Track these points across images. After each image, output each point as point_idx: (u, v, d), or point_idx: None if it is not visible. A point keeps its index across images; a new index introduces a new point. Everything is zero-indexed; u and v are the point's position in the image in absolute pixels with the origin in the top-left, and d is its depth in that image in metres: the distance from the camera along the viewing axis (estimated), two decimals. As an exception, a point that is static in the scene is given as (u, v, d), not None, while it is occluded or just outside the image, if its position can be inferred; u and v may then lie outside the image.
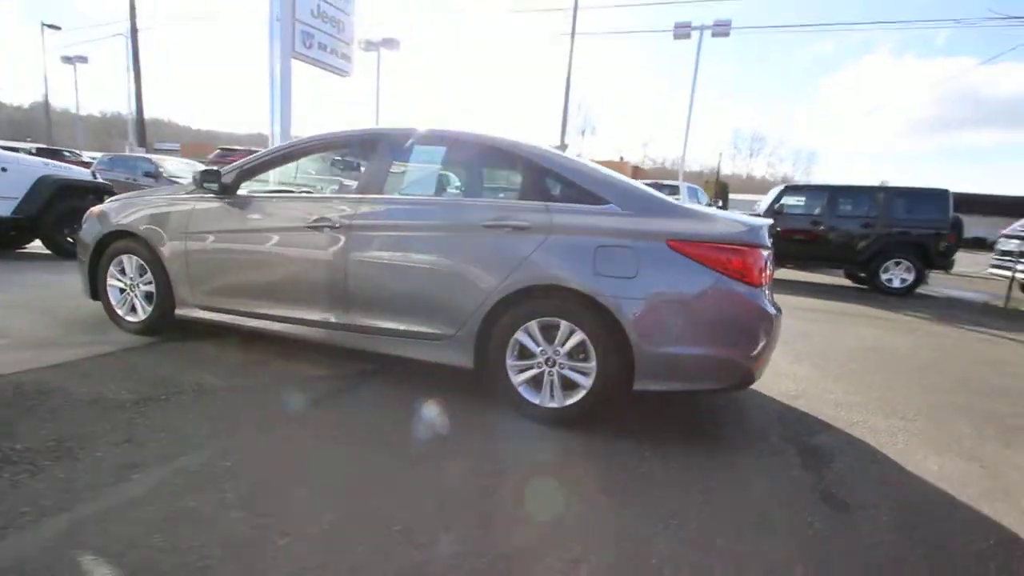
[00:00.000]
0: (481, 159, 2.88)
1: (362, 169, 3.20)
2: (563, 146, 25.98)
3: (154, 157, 13.97)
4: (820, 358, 4.15)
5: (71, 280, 4.74)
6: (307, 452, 2.10)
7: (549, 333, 2.47)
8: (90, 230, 3.41)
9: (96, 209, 3.51)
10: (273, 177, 3.43)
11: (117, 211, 3.34)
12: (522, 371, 2.53)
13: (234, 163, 3.15)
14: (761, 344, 2.31)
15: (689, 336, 2.29)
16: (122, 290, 3.36)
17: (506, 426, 2.47)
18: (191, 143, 52.58)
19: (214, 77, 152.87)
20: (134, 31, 20.78)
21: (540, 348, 2.48)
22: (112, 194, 8.52)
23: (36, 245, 6.23)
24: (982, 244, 24.42)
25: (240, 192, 3.08)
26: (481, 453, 2.20)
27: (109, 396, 2.39)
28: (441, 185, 2.78)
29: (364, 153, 3.01)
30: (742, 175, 78.89)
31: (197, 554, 1.45)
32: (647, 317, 2.29)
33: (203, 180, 2.95)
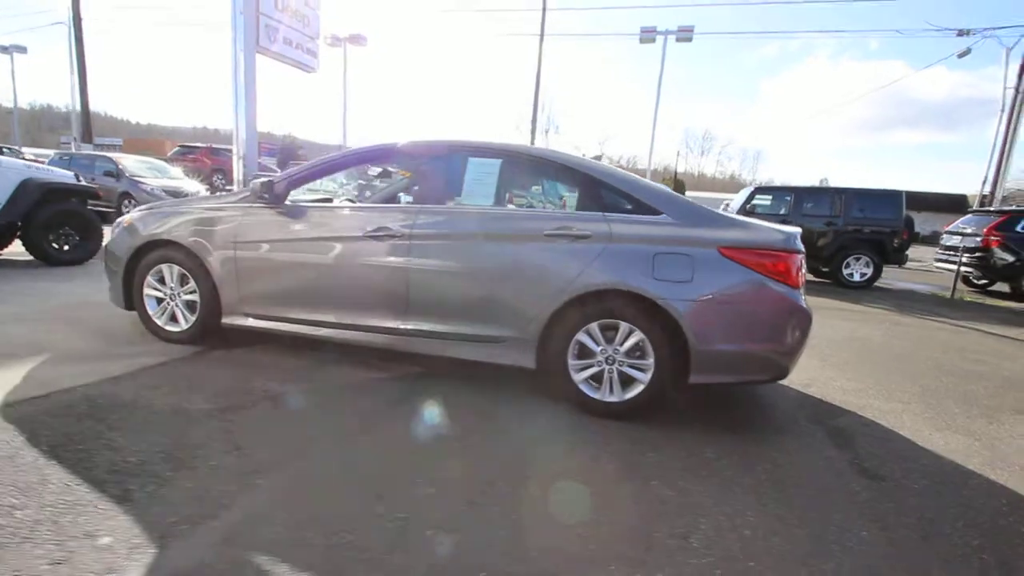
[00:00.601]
0: (537, 171, 3.06)
1: (416, 180, 3.31)
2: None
3: (114, 156, 13.28)
4: (815, 349, 4.55)
5: (76, 288, 4.63)
6: (415, 450, 2.22)
7: (608, 333, 2.68)
8: (123, 240, 3.36)
9: (127, 219, 3.46)
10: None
11: (152, 221, 3.31)
12: (582, 369, 2.72)
13: (285, 173, 3.19)
14: (799, 339, 2.60)
15: (739, 333, 2.55)
16: (160, 300, 3.34)
17: (568, 420, 2.66)
18: (133, 138, 49.69)
19: (153, 69, 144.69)
20: (77, 19, 19.56)
21: (600, 347, 2.69)
22: (98, 197, 8.30)
23: (11, 251, 5.94)
24: (918, 239, 26.42)
25: (288, 202, 3.13)
26: (563, 444, 2.39)
27: (189, 407, 2.43)
28: (499, 196, 2.92)
29: (418, 164, 3.12)
30: (694, 173, 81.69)
31: (355, 548, 1.58)
32: (702, 317, 2.53)
33: (261, 191, 2.99)
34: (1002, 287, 9.93)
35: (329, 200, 3.55)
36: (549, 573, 1.55)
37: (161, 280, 3.31)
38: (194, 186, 13.02)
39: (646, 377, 2.64)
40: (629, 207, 2.73)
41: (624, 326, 2.63)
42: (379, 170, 3.88)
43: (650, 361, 2.62)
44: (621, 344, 2.66)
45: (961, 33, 18.92)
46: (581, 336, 2.69)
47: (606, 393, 2.70)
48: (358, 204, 3.43)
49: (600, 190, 2.78)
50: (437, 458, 2.18)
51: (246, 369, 2.97)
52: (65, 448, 1.98)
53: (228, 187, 17.91)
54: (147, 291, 3.32)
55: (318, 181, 3.32)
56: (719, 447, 2.48)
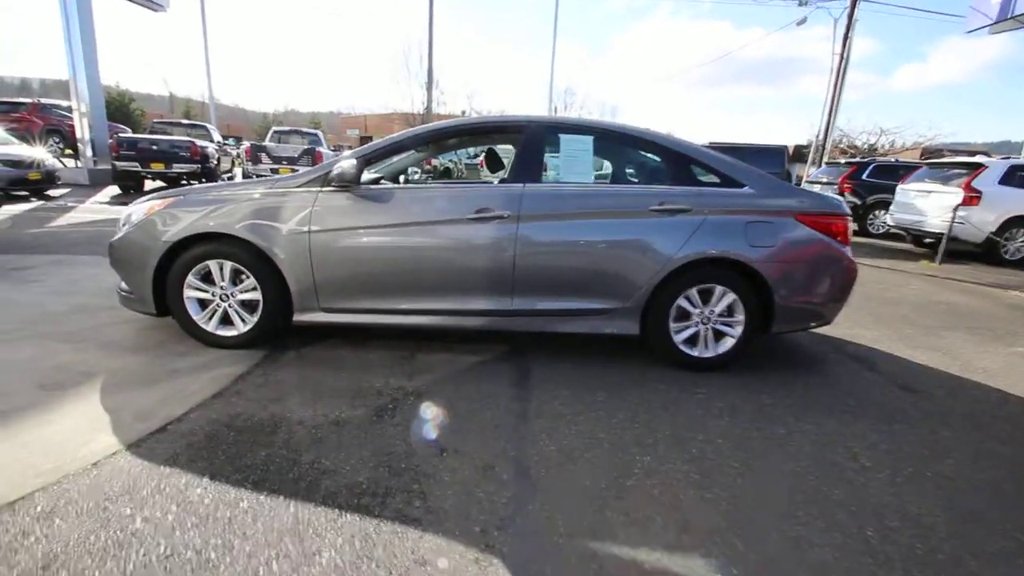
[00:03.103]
0: (629, 148, 3.15)
1: (510, 158, 3.20)
2: (428, 110, 25.12)
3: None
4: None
5: (41, 296, 3.74)
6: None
7: (704, 296, 2.98)
8: (148, 236, 2.84)
9: (143, 210, 2.90)
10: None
11: (189, 212, 2.84)
12: (680, 331, 3.01)
13: (355, 152, 2.90)
14: (849, 289, 3.13)
15: (811, 288, 3.00)
16: (204, 302, 2.92)
17: (669, 374, 2.95)
18: None
19: None
20: None
21: (697, 310, 2.98)
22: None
23: None
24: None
25: (366, 183, 2.89)
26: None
27: (340, 415, 2.27)
28: (596, 173, 2.98)
29: (510, 141, 3.04)
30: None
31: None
32: (784, 276, 2.93)
33: (339, 175, 2.71)
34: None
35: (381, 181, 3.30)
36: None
37: (206, 279, 2.89)
38: (36, 152, 10.62)
39: (736, 332, 3.00)
40: (717, 181, 2.99)
41: (719, 289, 2.95)
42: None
43: (740, 318, 2.98)
44: (715, 305, 2.98)
45: (801, 3, 21.73)
46: (681, 301, 2.96)
47: (702, 350, 3.03)
48: (450, 185, 3.25)
49: (690, 166, 2.99)
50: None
51: (346, 368, 2.78)
52: (271, 483, 1.79)
53: (58, 147, 14.73)
54: (189, 292, 2.88)
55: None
56: (789, 387, 2.95)
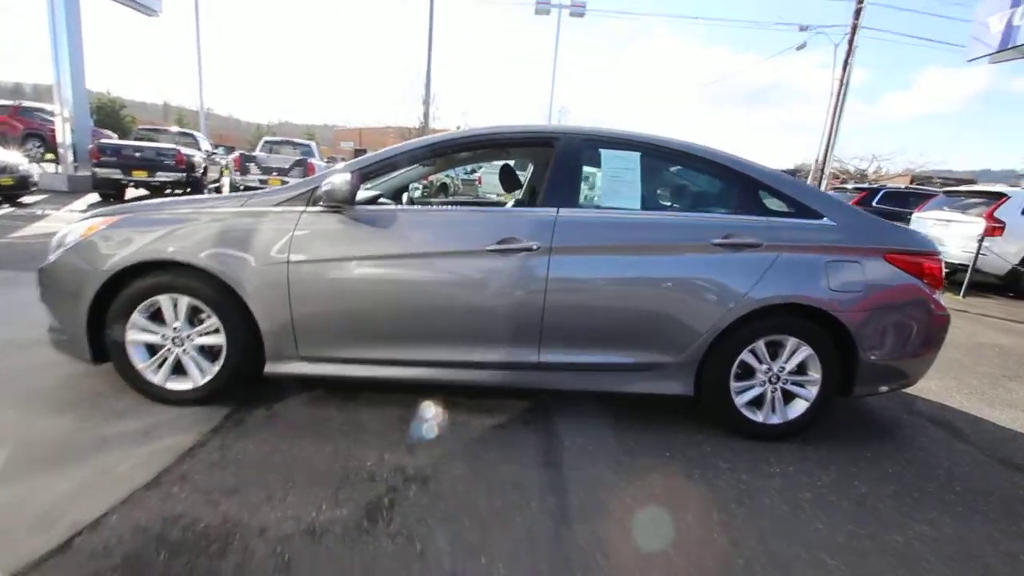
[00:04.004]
0: (684, 168, 2.62)
1: (536, 177, 2.66)
2: (424, 125, 24.77)
3: None
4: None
5: None
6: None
7: (771, 350, 2.44)
8: (86, 262, 2.25)
9: (82, 230, 2.32)
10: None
11: (138, 234, 2.26)
12: (743, 392, 2.46)
13: (350, 164, 2.35)
14: (941, 343, 2.60)
15: (901, 342, 2.47)
16: (152, 346, 2.32)
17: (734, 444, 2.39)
18: None
19: None
20: None
21: (765, 366, 2.43)
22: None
23: None
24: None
25: (362, 202, 2.33)
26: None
27: (320, 519, 1.67)
28: (644, 197, 2.44)
29: (536, 155, 2.51)
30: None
31: None
32: (871, 327, 2.40)
33: (331, 194, 2.15)
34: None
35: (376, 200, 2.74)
36: None
37: (156, 318, 2.30)
38: (9, 156, 9.96)
39: (811, 394, 2.46)
40: (791, 210, 2.47)
41: (792, 341, 2.41)
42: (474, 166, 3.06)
43: (816, 376, 2.44)
44: (787, 360, 2.43)
45: (802, 28, 21.74)
46: (745, 355, 2.41)
47: (768, 414, 2.47)
48: (467, 208, 2.69)
49: (759, 191, 2.47)
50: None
51: (330, 435, 2.18)
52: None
53: (39, 152, 14.03)
54: (133, 335, 2.28)
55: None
56: (883, 467, 2.40)
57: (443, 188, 14.85)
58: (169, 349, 2.32)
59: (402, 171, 2.67)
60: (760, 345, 2.41)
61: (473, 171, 16.44)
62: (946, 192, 10.31)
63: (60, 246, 2.36)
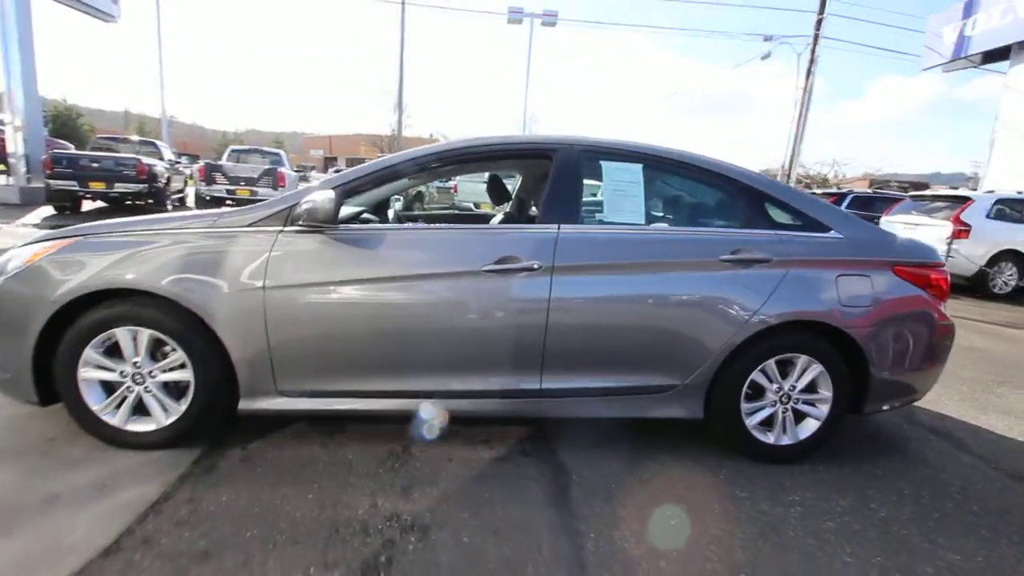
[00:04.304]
0: (687, 180, 2.49)
1: (530, 191, 2.49)
2: (398, 134, 24.47)
3: None
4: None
5: None
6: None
7: (782, 369, 2.33)
8: (35, 289, 1.99)
9: (27, 255, 2.05)
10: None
11: (95, 256, 2.01)
12: (753, 412, 2.35)
13: (331, 180, 2.15)
14: (947, 356, 2.54)
15: (911, 356, 2.39)
16: (109, 385, 2.07)
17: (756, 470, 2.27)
18: None
19: None
20: None
21: (776, 386, 2.33)
22: None
23: None
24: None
25: (345, 220, 2.14)
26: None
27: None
28: (648, 212, 2.31)
29: (528, 167, 2.35)
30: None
31: None
32: (883, 344, 2.32)
33: (311, 212, 1.96)
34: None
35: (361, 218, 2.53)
36: None
37: (113, 353, 2.05)
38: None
39: (822, 413, 2.36)
40: (799, 223, 2.37)
41: (803, 359, 2.31)
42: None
43: (827, 395, 2.34)
44: (797, 379, 2.33)
45: (767, 38, 22.31)
46: (756, 375, 2.30)
47: (779, 435, 2.36)
48: (461, 226, 2.51)
49: (765, 204, 2.37)
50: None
51: (314, 479, 1.97)
52: None
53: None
54: (86, 372, 2.03)
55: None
56: (897, 487, 2.32)
57: (418, 197, 14.57)
58: (129, 387, 2.07)
59: (388, 187, 2.48)
60: (771, 364, 2.30)
61: (448, 179, 16.25)
62: (912, 197, 10.64)
63: (1, 273, 2.09)
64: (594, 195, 2.44)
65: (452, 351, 2.11)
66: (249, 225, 2.07)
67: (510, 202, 3.45)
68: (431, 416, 2.19)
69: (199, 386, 2.06)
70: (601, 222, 2.28)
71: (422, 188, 13.95)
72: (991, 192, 9.54)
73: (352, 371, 2.11)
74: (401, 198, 3.76)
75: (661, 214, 2.57)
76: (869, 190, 15.92)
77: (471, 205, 13.39)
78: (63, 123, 33.98)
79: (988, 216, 8.69)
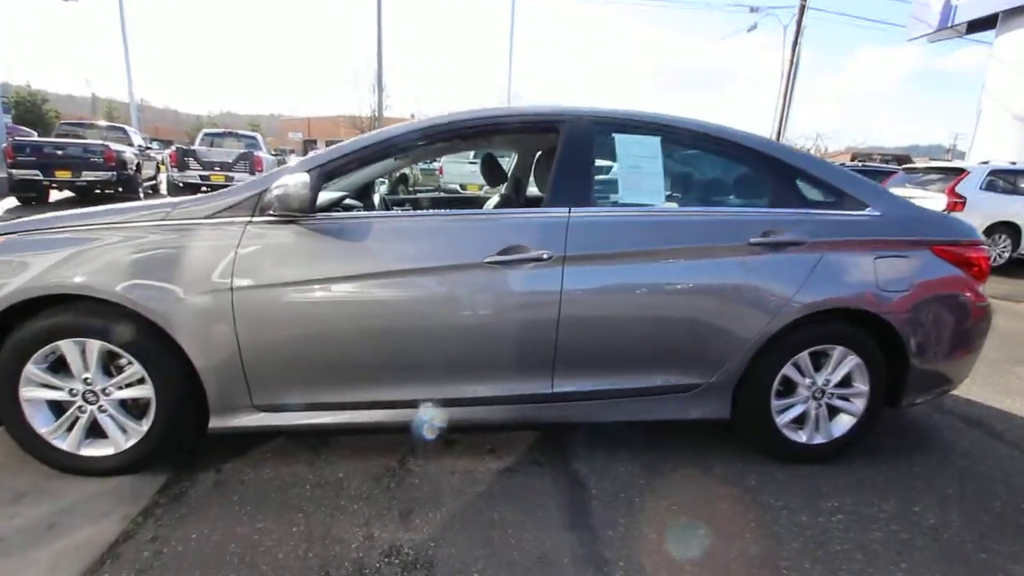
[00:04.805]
0: (709, 155, 2.24)
1: (531, 167, 2.22)
2: (379, 115, 23.73)
3: None
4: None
5: None
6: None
7: (816, 361, 2.13)
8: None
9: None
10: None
11: (31, 256, 1.72)
12: (784, 410, 2.14)
13: (308, 160, 1.86)
14: (983, 341, 2.35)
15: (951, 342, 2.20)
16: (58, 405, 1.80)
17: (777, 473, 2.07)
18: None
19: None
20: None
21: (808, 380, 2.12)
22: None
23: None
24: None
25: (325, 207, 1.86)
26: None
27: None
28: (666, 190, 2.06)
29: (528, 144, 2.08)
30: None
31: None
32: (921, 329, 2.12)
33: (285, 198, 1.67)
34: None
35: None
36: None
37: (59, 368, 1.77)
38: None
39: (857, 408, 2.17)
40: (832, 200, 2.14)
41: (838, 351, 2.10)
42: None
43: (863, 388, 2.15)
44: (832, 372, 2.13)
45: (753, 10, 21.91)
46: (788, 370, 2.09)
47: (811, 434, 2.17)
48: (459, 212, 2.23)
49: (796, 179, 2.13)
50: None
51: (299, 506, 1.73)
52: None
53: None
54: (29, 392, 1.75)
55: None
56: (938, 487, 2.15)
57: (402, 179, 14.08)
58: (81, 407, 1.79)
59: (372, 168, 2.19)
60: (804, 357, 2.09)
61: (433, 160, 15.72)
62: (906, 169, 10.56)
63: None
64: (605, 173, 2.18)
65: (452, 354, 1.86)
66: (210, 216, 1.78)
67: (506, 183, 3.18)
68: (430, 419, 1.95)
69: (161, 403, 1.79)
70: (615, 203, 2.03)
71: (406, 170, 13.47)
72: (985, 163, 9.43)
73: (339, 380, 1.86)
74: (385, 181, 3.43)
75: (681, 193, 2.32)
76: (858, 164, 15.80)
77: (457, 187, 12.98)
78: (27, 109, 32.56)
79: (982, 188, 8.58)
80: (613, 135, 2.03)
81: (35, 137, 14.78)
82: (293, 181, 1.67)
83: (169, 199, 1.90)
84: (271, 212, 1.74)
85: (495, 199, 3.12)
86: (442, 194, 10.63)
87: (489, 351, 1.88)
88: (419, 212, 2.02)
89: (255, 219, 1.77)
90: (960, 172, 8.87)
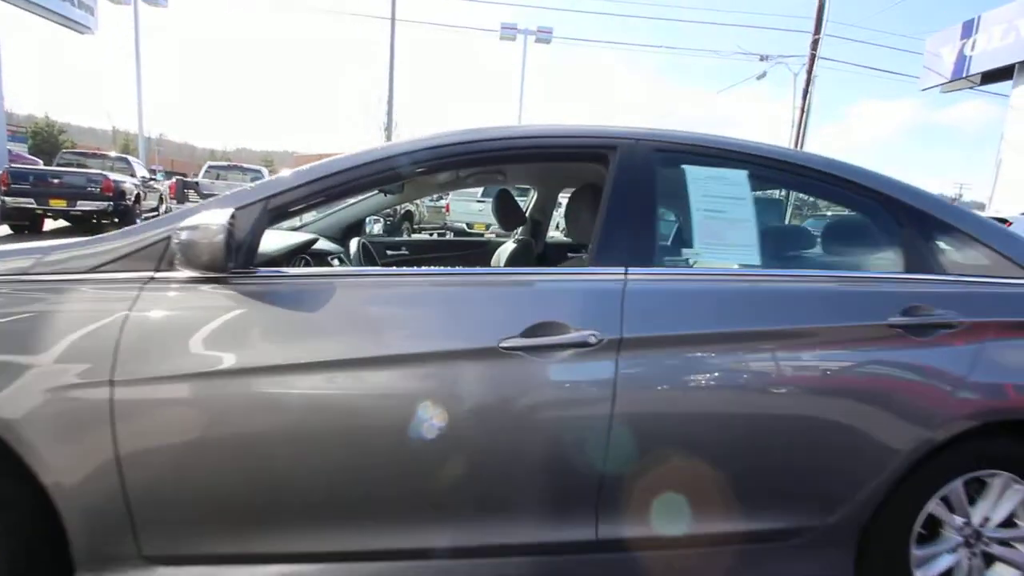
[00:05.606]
0: (817, 194, 1.66)
1: (544, 207, 1.64)
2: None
3: None
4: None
5: None
6: None
7: (970, 493, 1.48)
8: None
9: None
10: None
11: None
12: (926, 562, 1.48)
13: (245, 191, 1.29)
14: None
15: None
16: None
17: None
18: None
19: None
20: None
21: (961, 520, 1.47)
22: None
23: None
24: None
25: (266, 263, 1.27)
26: None
27: None
28: (764, 244, 1.46)
29: (554, 179, 1.53)
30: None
31: None
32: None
33: (187, 245, 1.09)
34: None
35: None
36: None
37: None
38: None
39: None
40: (985, 263, 1.54)
41: (1002, 478, 1.46)
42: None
43: (1035, 532, 1.49)
44: (993, 510, 1.48)
45: (763, 58, 22.01)
46: (932, 505, 1.45)
47: (964, 598, 1.50)
48: (464, 272, 1.65)
49: (940, 236, 1.53)
50: None
51: None
52: None
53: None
54: None
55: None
56: None
57: (407, 216, 13.56)
58: None
59: (354, 200, 1.62)
60: (958, 487, 1.45)
61: (440, 198, 15.20)
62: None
63: None
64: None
65: (447, 486, 1.23)
66: (95, 269, 1.19)
67: (522, 227, 2.62)
68: None
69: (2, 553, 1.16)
70: (687, 262, 1.43)
71: (411, 207, 12.98)
72: (1026, 215, 8.93)
73: (278, 519, 1.22)
74: (380, 220, 2.87)
75: (778, 249, 1.72)
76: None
77: (464, 226, 12.48)
78: (44, 139, 33.11)
79: (1029, 239, 8.04)
80: (682, 167, 1.45)
81: (40, 166, 14.63)
82: (207, 220, 1.09)
83: (47, 242, 1.32)
84: (180, 265, 1.15)
85: (509, 245, 2.53)
86: (449, 235, 10.09)
87: (503, 481, 1.25)
88: (406, 270, 1.39)
89: (159, 274, 1.19)
90: (1004, 223, 8.36)
